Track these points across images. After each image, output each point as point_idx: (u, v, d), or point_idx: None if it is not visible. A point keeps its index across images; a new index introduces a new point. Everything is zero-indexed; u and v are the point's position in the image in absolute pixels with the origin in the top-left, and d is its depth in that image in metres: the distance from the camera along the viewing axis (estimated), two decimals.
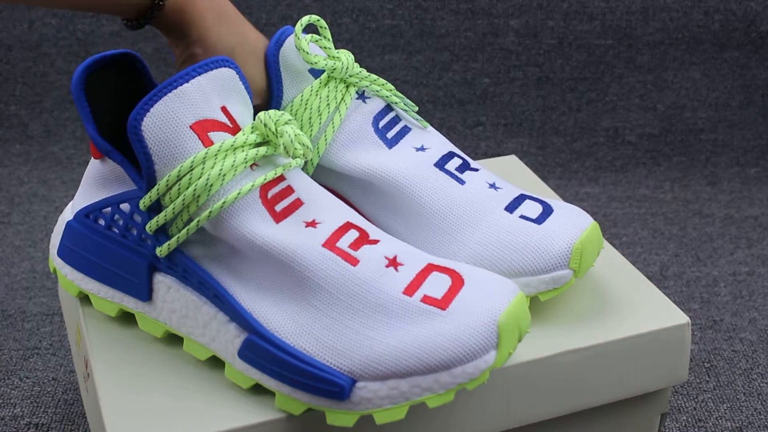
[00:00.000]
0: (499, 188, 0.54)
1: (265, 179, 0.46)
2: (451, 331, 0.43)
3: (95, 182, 0.50)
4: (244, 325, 0.46)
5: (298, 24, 0.52)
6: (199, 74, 0.46)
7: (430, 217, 0.52)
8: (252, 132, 0.46)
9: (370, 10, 0.97)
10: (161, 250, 0.47)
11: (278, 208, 0.46)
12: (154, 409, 0.46)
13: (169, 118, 0.45)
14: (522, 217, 0.52)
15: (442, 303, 0.44)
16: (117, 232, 0.49)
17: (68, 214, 0.53)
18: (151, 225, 0.47)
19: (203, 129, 0.46)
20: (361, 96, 0.54)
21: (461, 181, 0.53)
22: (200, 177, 0.45)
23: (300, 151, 0.46)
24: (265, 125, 0.46)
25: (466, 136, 0.95)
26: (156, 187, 0.46)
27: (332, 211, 0.48)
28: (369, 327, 0.44)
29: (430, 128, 0.56)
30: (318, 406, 0.44)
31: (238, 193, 0.45)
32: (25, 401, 0.63)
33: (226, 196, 0.45)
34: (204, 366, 0.49)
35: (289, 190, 0.47)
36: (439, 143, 0.54)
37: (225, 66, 0.47)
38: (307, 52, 0.52)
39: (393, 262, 0.46)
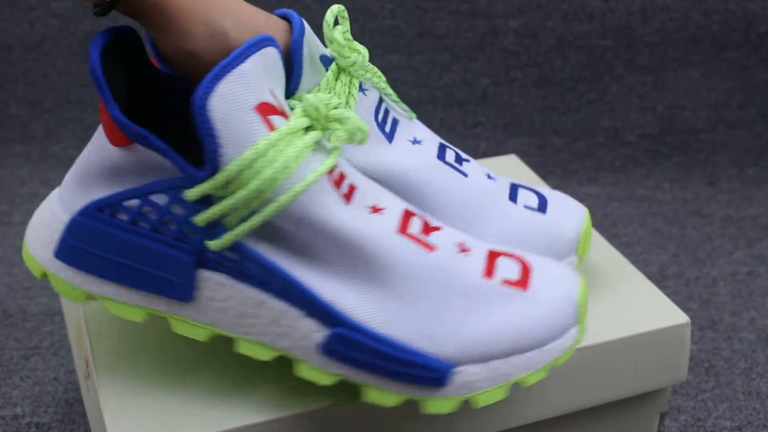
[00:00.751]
0: (493, 178, 0.54)
1: (331, 163, 0.43)
2: (538, 310, 0.45)
3: (107, 173, 0.44)
4: (326, 318, 0.43)
5: (329, 12, 0.50)
6: (253, 53, 0.43)
7: (445, 213, 0.52)
8: (302, 116, 0.44)
9: (370, 10, 0.97)
10: (214, 244, 0.43)
11: (341, 192, 0.44)
12: (154, 408, 0.46)
13: (234, 100, 0.42)
14: (525, 207, 0.53)
15: (521, 284, 0.45)
16: (146, 226, 0.44)
17: (57, 209, 0.46)
18: (206, 216, 0.42)
19: (264, 112, 0.43)
20: (361, 88, 0.53)
21: (464, 174, 0.53)
22: (275, 161, 0.42)
23: (359, 137, 0.44)
24: (317, 109, 0.44)
25: (466, 136, 0.95)
26: (224, 172, 0.41)
27: (388, 198, 0.46)
28: (459, 312, 0.44)
29: (415, 118, 0.55)
30: (415, 396, 0.44)
31: (313, 178, 0.42)
32: (25, 401, 0.63)
33: (301, 181, 0.42)
34: (205, 366, 0.49)
35: (342, 175, 0.45)
36: (429, 135, 0.54)
37: (270, 45, 0.44)
38: (342, 45, 0.49)
39: (462, 248, 0.46)
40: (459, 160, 0.53)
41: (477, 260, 0.46)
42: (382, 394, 0.44)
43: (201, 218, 0.43)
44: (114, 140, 0.44)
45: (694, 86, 0.97)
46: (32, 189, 0.88)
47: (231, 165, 0.41)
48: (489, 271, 0.45)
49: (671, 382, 0.54)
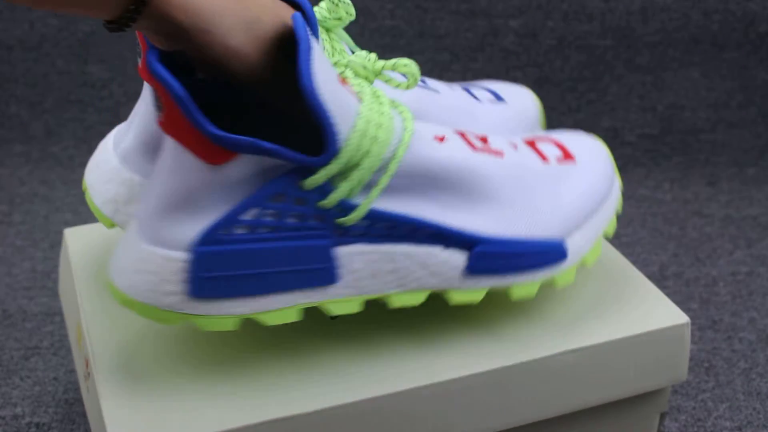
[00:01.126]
0: (452, 87, 0.59)
1: (411, 115, 0.47)
2: (593, 172, 0.53)
3: (209, 195, 0.43)
4: (462, 244, 0.47)
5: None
6: (305, 25, 0.43)
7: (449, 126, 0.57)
8: (356, 77, 0.46)
9: (370, 10, 0.97)
10: (351, 218, 0.44)
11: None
12: (155, 408, 0.46)
13: (328, 78, 0.42)
14: (489, 101, 0.59)
15: (570, 158, 0.53)
16: (271, 230, 0.44)
17: (159, 251, 0.44)
18: (336, 196, 0.43)
19: (344, 82, 0.44)
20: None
21: (437, 91, 0.57)
22: (380, 126, 0.44)
23: (412, 81, 0.47)
24: (364, 67, 0.46)
25: None
26: (347, 150, 0.43)
27: (436, 126, 0.49)
28: (546, 196, 0.50)
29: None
30: (549, 277, 0.50)
31: (410, 133, 0.45)
32: (25, 401, 0.63)
33: (401, 138, 0.45)
34: (205, 365, 0.49)
35: None
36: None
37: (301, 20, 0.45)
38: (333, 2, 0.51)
39: (514, 146, 0.51)
40: (424, 82, 0.57)
41: (528, 151, 0.52)
42: (526, 287, 0.50)
43: (331, 200, 0.44)
44: (211, 159, 0.42)
45: (694, 86, 0.97)
46: (32, 189, 0.88)
47: (350, 141, 0.43)
48: (543, 157, 0.52)
49: (671, 382, 0.54)
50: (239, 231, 0.44)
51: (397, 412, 0.48)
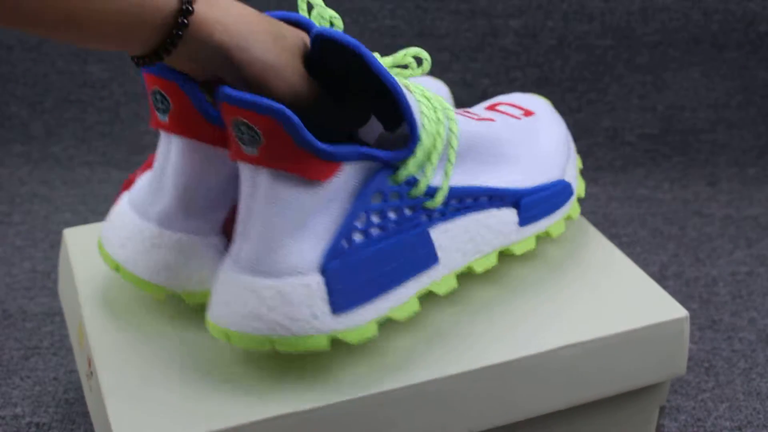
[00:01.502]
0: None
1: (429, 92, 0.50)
2: (554, 120, 0.59)
3: (316, 211, 0.44)
4: (511, 201, 0.53)
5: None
6: (344, 34, 0.46)
7: None
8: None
9: (370, 10, 0.97)
10: (437, 199, 0.48)
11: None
12: (159, 406, 0.46)
13: (391, 76, 0.45)
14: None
15: (531, 113, 0.59)
16: (381, 229, 0.46)
17: (276, 282, 0.44)
18: (423, 184, 0.47)
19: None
20: None
21: None
22: (437, 110, 0.48)
23: (427, 66, 0.50)
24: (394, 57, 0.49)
25: None
26: (428, 138, 0.46)
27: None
28: (537, 146, 0.56)
29: None
30: (568, 213, 0.57)
31: (453, 112, 0.49)
32: (25, 401, 0.63)
33: (450, 117, 0.49)
34: (208, 362, 0.49)
35: None
36: None
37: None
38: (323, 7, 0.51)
39: (489, 112, 0.57)
40: None
41: (501, 115, 0.57)
42: (558, 225, 0.56)
43: (420, 187, 0.47)
44: (321, 175, 0.43)
45: (694, 86, 0.97)
46: (32, 189, 0.88)
47: (426, 128, 0.46)
48: (514, 116, 0.57)
49: (671, 377, 0.54)
50: (357, 238, 0.45)
51: (397, 408, 0.48)
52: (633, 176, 0.90)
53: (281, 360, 0.50)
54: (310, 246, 0.44)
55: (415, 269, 0.48)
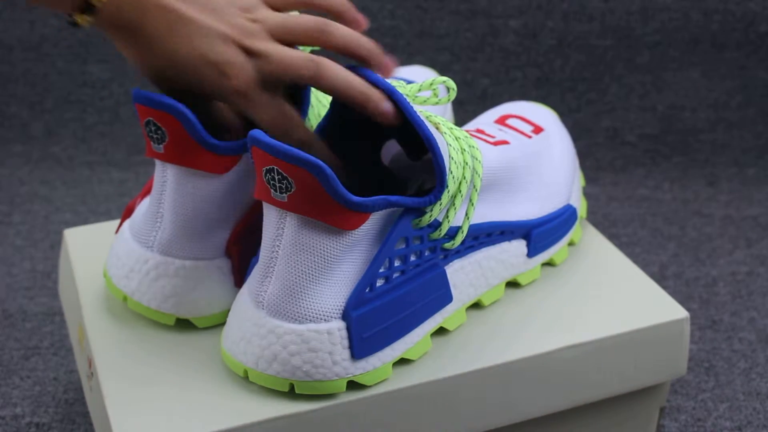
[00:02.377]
0: None
1: (458, 130, 0.50)
2: (562, 138, 0.59)
3: (343, 259, 0.45)
4: (521, 233, 0.53)
5: None
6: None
7: None
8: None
9: (370, 10, 0.97)
10: (457, 239, 0.48)
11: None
12: (159, 406, 0.46)
13: (422, 119, 0.46)
14: None
15: (541, 129, 0.58)
16: (402, 273, 0.47)
17: (299, 327, 0.45)
18: (446, 226, 0.47)
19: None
20: None
21: None
22: (463, 152, 0.48)
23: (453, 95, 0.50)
24: (415, 96, 0.49)
25: None
26: (454, 183, 0.47)
27: (467, 131, 0.55)
28: (546, 168, 0.56)
29: None
30: (572, 238, 0.57)
31: (479, 151, 0.49)
32: (25, 401, 0.63)
33: (473, 152, 0.49)
34: (208, 363, 0.49)
35: None
36: None
37: None
38: None
39: (501, 131, 0.56)
40: None
41: (513, 132, 0.57)
42: (562, 252, 0.56)
43: (443, 230, 0.47)
44: (350, 225, 0.44)
45: (694, 86, 0.97)
46: (32, 189, 0.88)
47: (455, 175, 0.46)
48: (525, 134, 0.57)
49: (671, 377, 0.54)
50: (380, 284, 0.46)
51: (397, 409, 0.48)
52: (633, 176, 0.90)
53: None
54: (333, 292, 0.45)
55: (432, 310, 0.48)
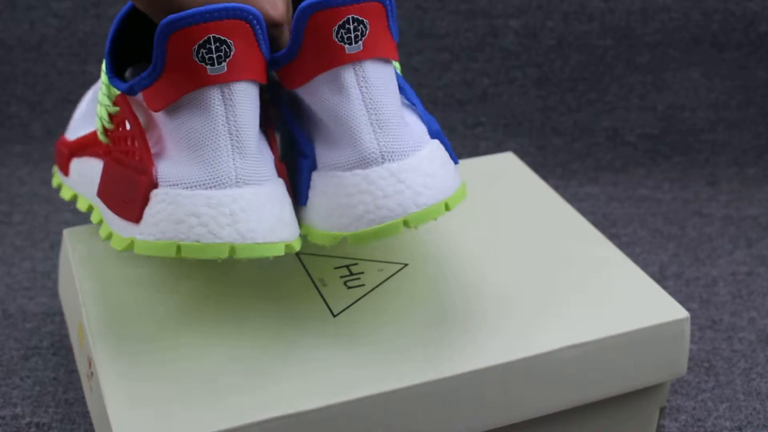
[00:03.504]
0: None
1: None
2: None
3: (398, 94, 0.47)
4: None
5: None
6: None
7: None
8: None
9: None
10: None
11: None
12: (159, 406, 0.46)
13: None
14: None
15: None
16: None
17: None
18: None
19: None
20: None
21: None
22: None
23: None
24: None
25: (465, 136, 0.95)
26: None
27: None
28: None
29: None
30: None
31: None
32: (25, 401, 0.63)
33: None
34: (209, 363, 0.49)
35: None
36: None
37: None
38: None
39: None
40: None
41: None
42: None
43: None
44: (396, 55, 0.46)
45: (694, 86, 0.97)
46: (32, 189, 0.88)
47: None
48: None
49: (671, 377, 0.54)
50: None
51: (397, 409, 0.48)
52: (633, 176, 0.90)
53: (282, 360, 0.50)
54: (414, 119, 0.46)
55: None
